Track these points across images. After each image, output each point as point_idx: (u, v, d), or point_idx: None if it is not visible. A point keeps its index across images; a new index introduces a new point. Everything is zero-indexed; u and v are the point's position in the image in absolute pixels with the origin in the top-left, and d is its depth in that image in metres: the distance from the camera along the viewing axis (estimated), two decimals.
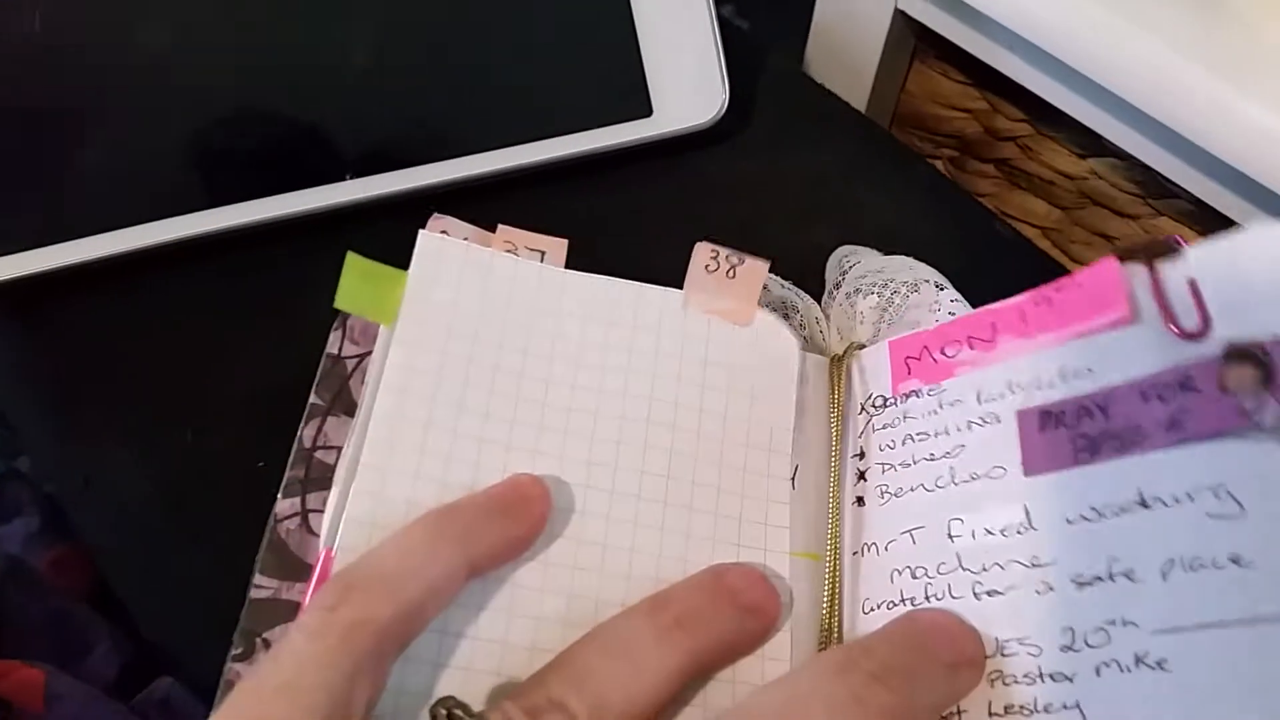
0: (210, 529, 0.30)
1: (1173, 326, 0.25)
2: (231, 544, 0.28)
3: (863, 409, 0.30)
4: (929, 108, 0.49)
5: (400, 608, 0.22)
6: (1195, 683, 0.21)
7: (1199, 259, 0.25)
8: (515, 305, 0.29)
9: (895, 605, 0.27)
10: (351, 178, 0.35)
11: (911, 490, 0.28)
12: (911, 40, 0.47)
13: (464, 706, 0.22)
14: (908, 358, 0.30)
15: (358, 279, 0.28)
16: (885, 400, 0.30)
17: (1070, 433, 0.25)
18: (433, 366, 0.28)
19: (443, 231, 0.30)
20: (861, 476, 0.29)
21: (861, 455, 0.29)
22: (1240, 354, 0.22)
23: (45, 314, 0.34)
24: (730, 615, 0.25)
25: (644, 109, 0.36)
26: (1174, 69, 0.33)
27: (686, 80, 0.36)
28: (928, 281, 0.32)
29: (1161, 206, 0.42)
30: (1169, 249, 0.26)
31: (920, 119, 0.50)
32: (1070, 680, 0.23)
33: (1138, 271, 0.26)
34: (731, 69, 0.37)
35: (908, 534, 0.27)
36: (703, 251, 0.30)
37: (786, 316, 0.32)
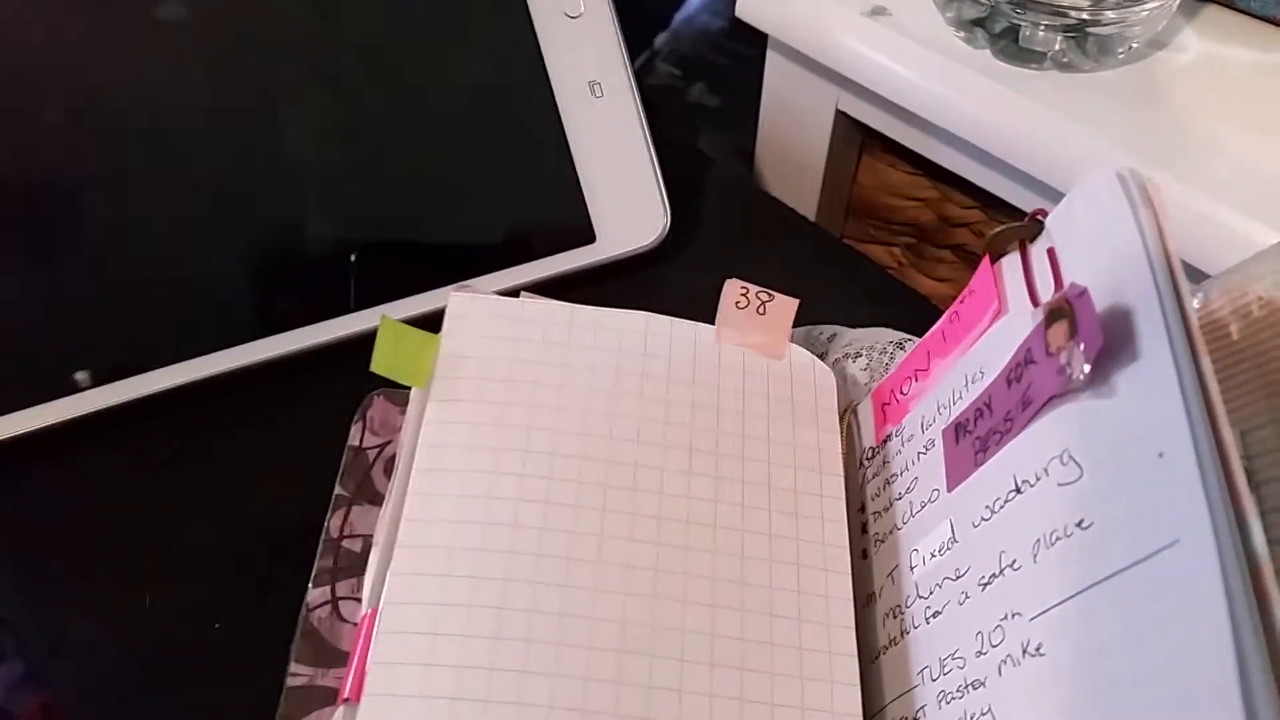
0: (176, 687, 0.31)
1: (1033, 303, 0.24)
2: (198, 702, 0.29)
3: (861, 463, 0.31)
4: (882, 198, 0.49)
5: None
6: (1062, 664, 0.20)
7: (1052, 222, 0.25)
8: (549, 346, 0.30)
9: (886, 649, 0.27)
10: (310, 323, 0.36)
11: (890, 533, 0.28)
12: (858, 136, 0.47)
13: None
14: (884, 405, 0.30)
15: (392, 342, 0.28)
16: (874, 450, 0.30)
17: (971, 438, 0.25)
18: (469, 417, 0.28)
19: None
20: (864, 529, 0.30)
21: (863, 509, 0.30)
22: (1055, 312, 0.22)
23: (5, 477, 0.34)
24: None
25: (588, 236, 0.39)
26: (1105, 158, 0.35)
27: (627, 206, 0.38)
28: (910, 340, 0.32)
29: None
30: (1036, 227, 0.25)
31: (875, 209, 0.50)
32: (984, 684, 0.22)
33: (1014, 260, 0.26)
34: (680, 184, 0.39)
35: (889, 576, 0.27)
36: (733, 288, 0.31)
37: None
